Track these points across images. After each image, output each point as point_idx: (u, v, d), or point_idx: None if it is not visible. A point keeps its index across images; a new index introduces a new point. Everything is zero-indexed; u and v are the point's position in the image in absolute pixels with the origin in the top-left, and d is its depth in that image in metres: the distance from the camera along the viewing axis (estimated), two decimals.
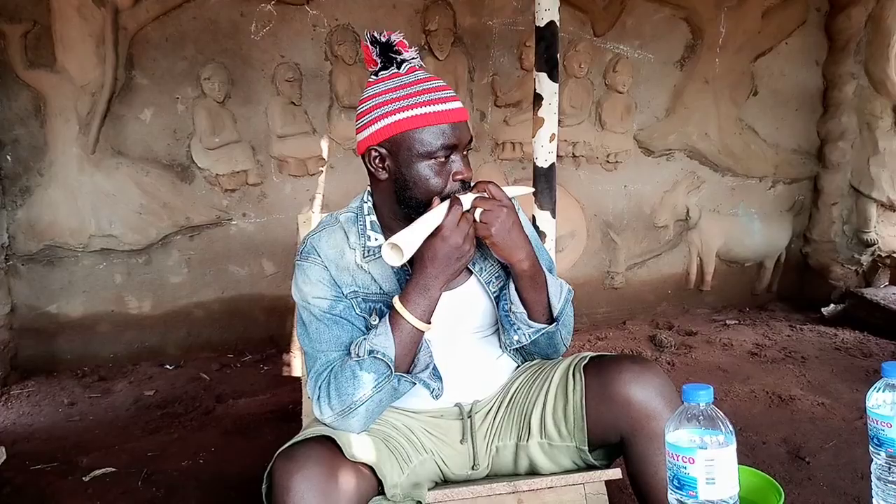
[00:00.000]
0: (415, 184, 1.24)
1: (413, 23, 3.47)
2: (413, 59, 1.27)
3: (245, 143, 3.40)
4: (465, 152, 1.26)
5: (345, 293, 1.28)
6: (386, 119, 1.22)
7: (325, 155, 3.48)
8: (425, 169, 1.23)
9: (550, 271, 1.39)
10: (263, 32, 3.34)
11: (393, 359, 1.18)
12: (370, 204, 1.34)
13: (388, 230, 1.31)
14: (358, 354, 1.19)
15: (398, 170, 1.24)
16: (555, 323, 1.31)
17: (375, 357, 1.17)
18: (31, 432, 2.63)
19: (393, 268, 1.29)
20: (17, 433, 2.62)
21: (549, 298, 1.30)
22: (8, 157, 3.18)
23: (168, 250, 3.40)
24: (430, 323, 1.21)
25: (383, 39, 1.26)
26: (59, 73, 3.13)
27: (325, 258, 1.30)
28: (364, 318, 1.28)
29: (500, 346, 1.39)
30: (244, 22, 3.31)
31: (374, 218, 1.33)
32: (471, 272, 1.35)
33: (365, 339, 1.21)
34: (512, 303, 1.30)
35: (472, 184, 1.27)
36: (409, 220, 1.23)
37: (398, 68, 1.26)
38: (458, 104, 1.24)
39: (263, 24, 3.33)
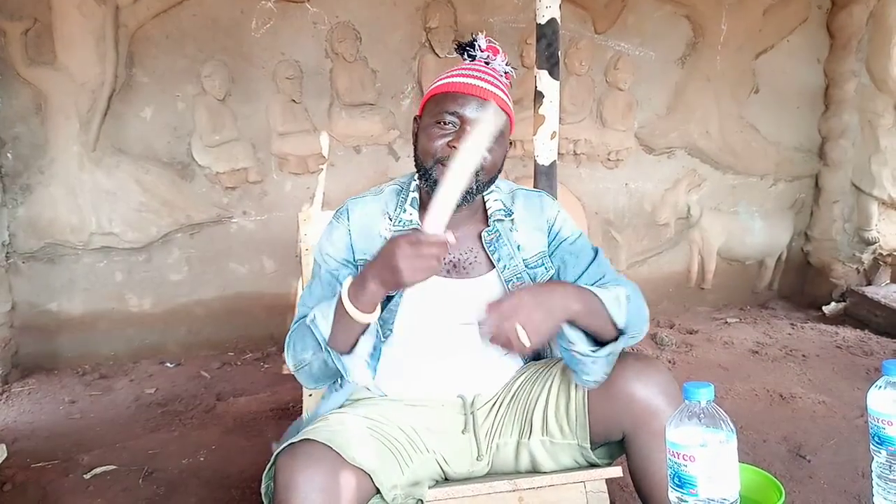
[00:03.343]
0: (419, 144, 1.30)
1: (414, 20, 3.47)
2: (485, 57, 1.33)
3: (245, 141, 3.39)
4: None
5: (356, 259, 1.32)
6: (428, 91, 1.32)
7: (325, 153, 3.48)
8: (431, 130, 1.26)
9: (596, 254, 1.38)
10: (264, 30, 3.33)
11: (325, 337, 1.19)
12: (417, 182, 1.36)
13: (423, 208, 1.33)
14: (313, 314, 1.22)
15: (418, 134, 1.31)
16: (622, 336, 1.23)
17: (315, 327, 1.20)
18: (32, 430, 2.63)
19: None
20: (18, 431, 2.62)
21: (611, 317, 1.21)
22: (8, 155, 3.18)
23: (168, 248, 3.40)
24: (372, 313, 1.15)
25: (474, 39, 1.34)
26: (60, 71, 3.12)
27: (352, 223, 1.34)
28: None
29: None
30: (244, 19, 3.31)
31: (416, 195, 1.35)
32: (493, 265, 1.34)
33: (318, 306, 1.22)
34: (571, 342, 1.19)
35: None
36: (427, 195, 1.29)
37: (471, 61, 1.34)
38: (482, 83, 1.26)
39: (264, 21, 3.32)
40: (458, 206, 1.23)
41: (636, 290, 1.32)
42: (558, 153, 2.47)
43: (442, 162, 1.24)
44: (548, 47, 2.33)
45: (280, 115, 3.40)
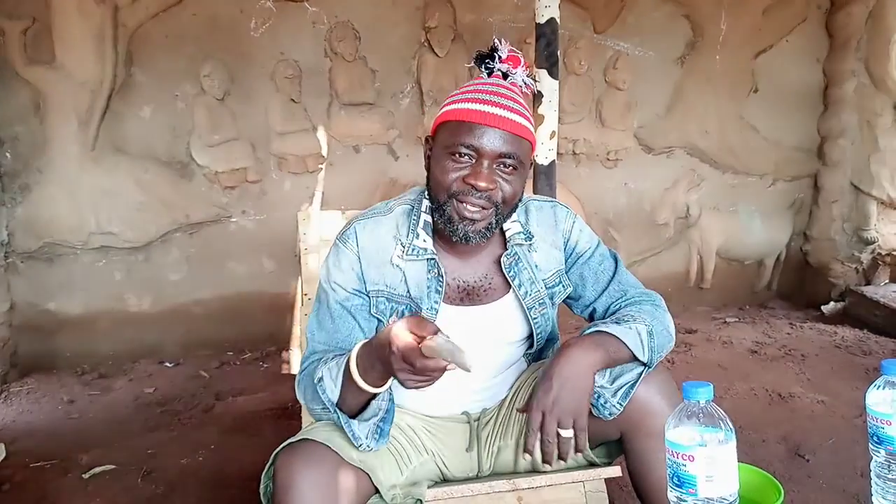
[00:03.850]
0: (432, 175, 1.22)
1: (413, 19, 3.47)
2: (504, 69, 1.25)
3: (244, 141, 3.39)
4: (497, 164, 1.18)
5: (367, 290, 1.26)
6: (441, 111, 1.24)
7: (324, 152, 3.48)
8: (443, 162, 1.19)
9: (616, 261, 1.36)
10: (263, 29, 3.33)
11: (333, 401, 1.12)
12: (429, 203, 1.27)
13: (436, 233, 1.27)
14: (320, 373, 1.14)
15: (431, 162, 1.24)
16: (646, 368, 1.21)
17: (321, 390, 1.13)
18: (31, 430, 2.63)
19: (428, 276, 1.25)
20: (16, 430, 2.62)
21: (634, 354, 1.20)
22: (7, 154, 3.18)
23: (167, 248, 3.40)
24: (381, 386, 1.09)
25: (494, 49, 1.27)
26: (59, 70, 3.12)
27: (361, 249, 1.26)
28: (378, 319, 1.25)
29: (524, 358, 1.38)
30: (244, 19, 3.31)
31: (428, 217, 1.27)
32: (509, 286, 1.30)
33: (327, 362, 1.15)
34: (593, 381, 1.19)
35: (489, 195, 1.17)
36: (435, 223, 1.24)
37: (488, 75, 1.26)
38: (501, 111, 1.16)
39: (263, 20, 3.32)
40: (478, 242, 1.22)
41: (658, 304, 1.31)
42: (557, 153, 2.46)
43: (456, 197, 1.18)
44: (547, 47, 2.33)
45: (279, 115, 3.40)
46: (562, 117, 3.36)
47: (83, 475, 2.22)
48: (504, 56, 1.25)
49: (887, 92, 3.70)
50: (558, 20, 2.34)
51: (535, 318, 1.32)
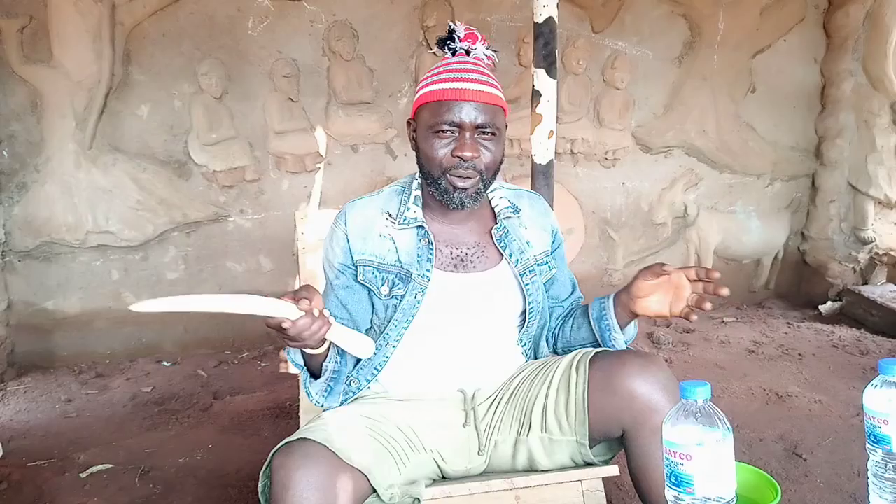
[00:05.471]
0: (423, 155, 1.32)
1: (411, 18, 3.47)
2: (465, 47, 1.36)
3: (242, 139, 3.39)
4: (478, 134, 1.29)
5: (354, 261, 1.34)
6: (417, 95, 1.35)
7: (322, 151, 3.48)
8: (432, 141, 1.29)
9: (574, 288, 1.55)
10: (261, 28, 3.33)
11: (301, 364, 1.32)
12: (420, 181, 1.39)
13: (426, 206, 1.38)
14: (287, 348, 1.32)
15: (418, 142, 1.34)
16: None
17: (290, 359, 1.35)
18: (28, 429, 2.63)
19: (419, 244, 1.34)
20: (13, 429, 2.61)
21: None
22: (4, 153, 3.17)
23: (165, 247, 3.40)
24: (317, 349, 1.24)
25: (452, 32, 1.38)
26: (56, 69, 3.11)
27: (349, 226, 1.36)
28: (368, 288, 1.34)
29: (517, 342, 1.41)
30: (241, 17, 3.30)
31: (419, 193, 1.38)
32: (501, 256, 1.38)
33: None
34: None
35: (474, 163, 1.28)
36: (431, 196, 1.34)
37: (452, 55, 1.37)
38: (473, 85, 1.28)
39: (261, 19, 3.32)
40: (471, 207, 1.32)
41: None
42: (555, 152, 2.46)
43: (448, 171, 1.29)
44: (545, 46, 2.33)
45: (277, 114, 3.39)
46: (560, 117, 3.37)
47: (80, 474, 2.22)
48: (462, 35, 1.37)
49: (885, 92, 3.71)
50: (556, 19, 2.34)
51: (526, 285, 1.38)
